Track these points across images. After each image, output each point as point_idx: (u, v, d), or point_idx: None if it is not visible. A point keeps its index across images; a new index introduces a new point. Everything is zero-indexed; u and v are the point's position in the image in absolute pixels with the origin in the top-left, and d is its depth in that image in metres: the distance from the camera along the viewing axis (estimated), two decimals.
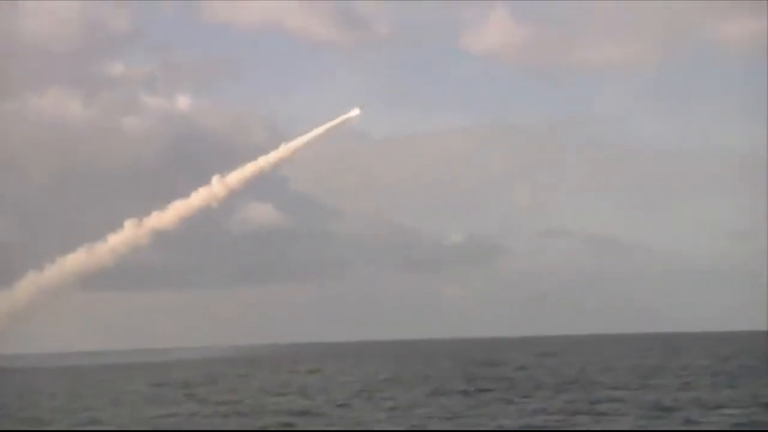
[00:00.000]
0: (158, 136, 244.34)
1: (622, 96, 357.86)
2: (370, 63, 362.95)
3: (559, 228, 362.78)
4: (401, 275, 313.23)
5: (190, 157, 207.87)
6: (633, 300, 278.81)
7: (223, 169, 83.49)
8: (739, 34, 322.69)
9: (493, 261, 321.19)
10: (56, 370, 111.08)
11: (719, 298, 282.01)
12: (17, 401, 54.45)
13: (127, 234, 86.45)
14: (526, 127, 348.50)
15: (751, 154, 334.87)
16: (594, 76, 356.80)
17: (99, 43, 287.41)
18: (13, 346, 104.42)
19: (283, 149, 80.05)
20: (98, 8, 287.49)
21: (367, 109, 76.39)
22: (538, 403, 41.97)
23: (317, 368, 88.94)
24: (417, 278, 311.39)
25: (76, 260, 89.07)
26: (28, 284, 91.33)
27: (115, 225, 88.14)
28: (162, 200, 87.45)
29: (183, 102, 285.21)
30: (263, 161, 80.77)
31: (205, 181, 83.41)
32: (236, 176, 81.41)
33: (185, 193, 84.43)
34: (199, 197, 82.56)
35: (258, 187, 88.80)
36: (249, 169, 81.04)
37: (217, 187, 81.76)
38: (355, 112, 75.26)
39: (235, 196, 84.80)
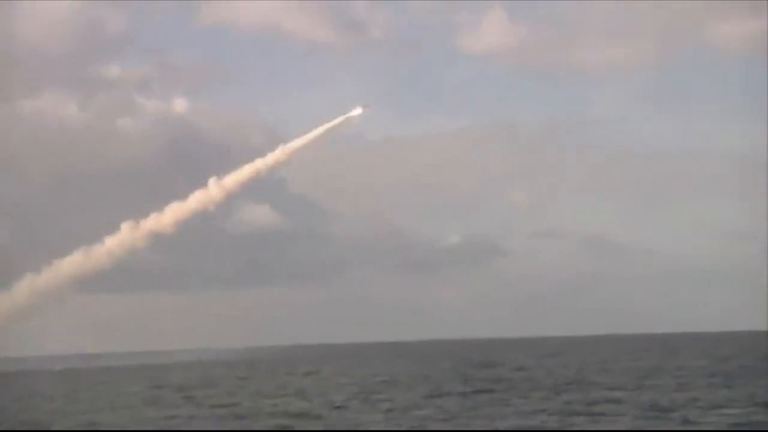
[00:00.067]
0: (154, 138, 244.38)
1: (619, 96, 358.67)
2: (367, 65, 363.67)
3: (557, 229, 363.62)
4: (399, 276, 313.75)
5: (186, 159, 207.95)
6: (630, 301, 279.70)
7: (220, 171, 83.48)
8: (738, 35, 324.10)
9: (490, 262, 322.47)
10: (54, 372, 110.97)
11: (717, 299, 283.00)
12: (15, 404, 54.40)
13: (124, 236, 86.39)
14: (524, 128, 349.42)
15: (751, 154, 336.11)
16: (591, 77, 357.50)
17: (95, 45, 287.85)
18: (10, 348, 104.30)
19: (280, 151, 80.00)
20: (94, 11, 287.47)
21: (364, 110, 75.96)
22: (536, 404, 42.01)
23: (315, 370, 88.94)
24: (415, 279, 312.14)
25: (73, 263, 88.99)
26: (26, 287, 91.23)
27: (112, 227, 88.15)
28: (159, 202, 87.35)
29: (179, 104, 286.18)
30: (260, 163, 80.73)
31: (202, 183, 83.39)
32: (233, 179, 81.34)
33: (182, 196, 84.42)
34: (196, 200, 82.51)
35: (256, 188, 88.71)
36: (246, 171, 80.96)
37: (213, 189, 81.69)
38: (357, 111, 74.87)
39: (232, 198, 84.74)
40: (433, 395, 49.24)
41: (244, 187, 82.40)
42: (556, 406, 41.10)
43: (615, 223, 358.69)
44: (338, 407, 44.20)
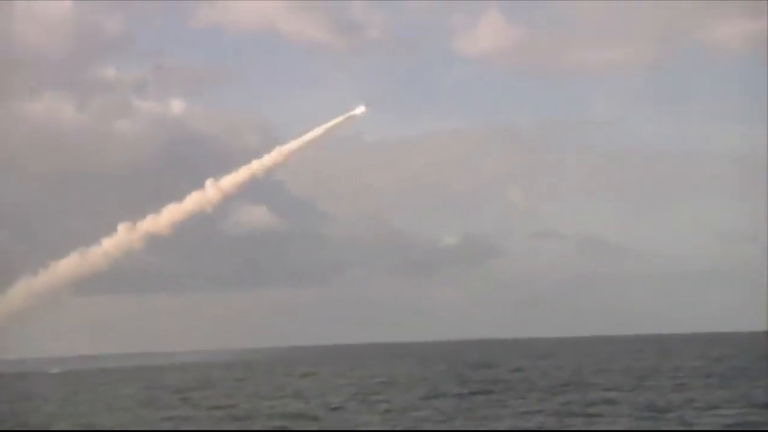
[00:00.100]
0: (151, 140, 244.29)
1: (616, 98, 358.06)
2: (364, 66, 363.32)
3: (553, 230, 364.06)
4: (396, 277, 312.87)
5: (183, 161, 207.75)
6: (629, 301, 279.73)
7: (217, 172, 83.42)
8: (737, 35, 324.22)
9: (487, 263, 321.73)
10: (50, 374, 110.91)
11: (717, 299, 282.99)
12: (11, 406, 54.36)
13: (120, 238, 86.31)
14: (520, 130, 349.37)
15: (750, 154, 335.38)
16: (590, 78, 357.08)
17: (92, 47, 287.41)
18: (6, 350, 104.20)
19: (277, 152, 79.89)
20: (91, 13, 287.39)
21: (367, 108, 75.34)
22: (533, 405, 42.05)
23: (312, 371, 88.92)
24: (412, 280, 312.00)
25: (70, 264, 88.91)
26: (22, 288, 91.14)
27: (109, 229, 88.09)
28: (156, 204, 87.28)
29: (176, 106, 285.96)
30: (257, 165, 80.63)
31: (199, 184, 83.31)
32: (230, 180, 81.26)
33: (179, 197, 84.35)
34: (193, 201, 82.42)
35: (253, 189, 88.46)
36: (243, 172, 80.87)
37: (210, 191, 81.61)
38: (360, 109, 74.37)
39: (229, 200, 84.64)
40: (430, 396, 49.28)
41: (241, 189, 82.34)
42: (553, 407, 41.14)
43: (614, 223, 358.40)
44: (336, 408, 44.23)
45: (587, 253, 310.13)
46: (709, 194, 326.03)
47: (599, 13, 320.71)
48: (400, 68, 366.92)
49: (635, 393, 47.04)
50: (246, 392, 58.86)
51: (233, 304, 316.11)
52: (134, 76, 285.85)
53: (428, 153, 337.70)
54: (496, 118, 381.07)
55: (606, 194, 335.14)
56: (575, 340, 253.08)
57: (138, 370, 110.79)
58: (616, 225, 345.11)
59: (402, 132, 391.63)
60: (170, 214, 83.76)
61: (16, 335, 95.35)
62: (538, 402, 43.63)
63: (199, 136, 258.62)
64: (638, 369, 71.42)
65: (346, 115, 74.80)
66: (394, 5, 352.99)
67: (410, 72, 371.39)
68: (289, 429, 37.41)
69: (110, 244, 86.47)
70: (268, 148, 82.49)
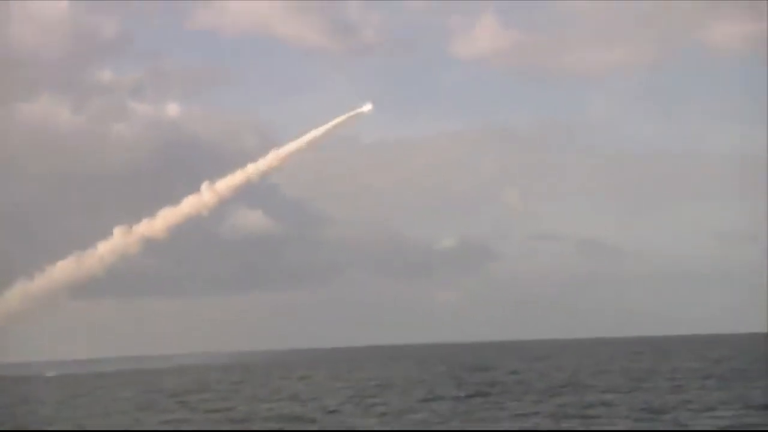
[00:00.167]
0: (147, 143, 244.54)
1: (615, 98, 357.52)
2: (361, 68, 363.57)
3: (553, 231, 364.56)
4: (393, 280, 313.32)
5: (180, 164, 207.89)
6: (628, 303, 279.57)
7: (213, 175, 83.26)
8: (737, 36, 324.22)
9: (484, 265, 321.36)
10: (47, 378, 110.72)
11: (717, 301, 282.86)
12: (8, 410, 54.28)
13: (116, 241, 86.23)
14: (517, 131, 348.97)
15: (750, 155, 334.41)
16: (587, 79, 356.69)
17: (88, 49, 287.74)
18: (2, 353, 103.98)
19: (273, 155, 79.70)
20: (88, 14, 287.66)
21: (373, 107, 74.72)
22: (530, 407, 42.02)
23: (309, 374, 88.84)
24: (409, 282, 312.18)
25: (66, 268, 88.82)
26: (18, 292, 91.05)
27: (105, 232, 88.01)
28: (152, 207, 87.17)
29: (172, 109, 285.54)
30: (253, 168, 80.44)
31: (195, 187, 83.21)
32: (226, 183, 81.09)
33: (175, 200, 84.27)
34: (189, 204, 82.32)
35: (249, 192, 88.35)
36: (239, 176, 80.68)
37: (206, 194, 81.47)
38: (367, 106, 73.81)
39: (225, 203, 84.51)
40: (427, 399, 49.21)
41: (237, 192, 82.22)
42: (550, 409, 41.11)
43: (612, 225, 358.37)
44: (332, 411, 44.20)
45: (586, 255, 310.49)
46: (709, 195, 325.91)
47: (598, 13, 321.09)
48: (398, 70, 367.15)
49: (632, 395, 47.00)
50: (243, 395, 58.78)
51: (230, 307, 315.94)
52: (131, 78, 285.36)
53: (426, 155, 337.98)
54: (494, 119, 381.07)
55: (605, 195, 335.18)
56: (574, 341, 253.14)
57: (135, 374, 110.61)
58: (615, 226, 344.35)
59: (399, 134, 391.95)
60: (166, 217, 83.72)
61: (12, 338, 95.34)
62: (535, 404, 43.59)
63: (196, 138, 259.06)
64: (636, 370, 71.41)
65: (353, 113, 74.25)
66: (390, 7, 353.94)
67: (407, 73, 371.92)
68: (285, 430, 37.39)
69: (106, 248, 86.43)
70: (265, 151, 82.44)
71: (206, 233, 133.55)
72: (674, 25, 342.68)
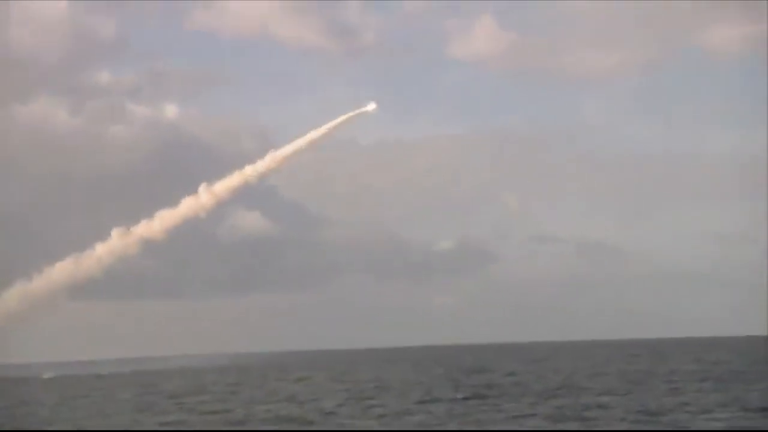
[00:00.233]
0: (145, 144, 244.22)
1: (614, 100, 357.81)
2: (359, 70, 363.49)
3: (550, 234, 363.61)
4: (392, 282, 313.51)
5: (178, 165, 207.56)
6: (627, 305, 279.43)
7: (211, 177, 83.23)
8: (736, 38, 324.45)
9: (483, 267, 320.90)
10: (44, 379, 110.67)
11: (716, 303, 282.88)
12: (5, 411, 54.31)
13: (114, 243, 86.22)
14: (516, 133, 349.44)
15: (750, 157, 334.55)
16: (586, 81, 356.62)
17: (87, 50, 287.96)
18: (1, 355, 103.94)
19: (270, 157, 79.65)
20: (86, 15, 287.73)
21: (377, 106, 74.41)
22: (527, 409, 42.12)
23: (307, 376, 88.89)
24: (408, 285, 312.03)
25: (64, 269, 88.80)
26: (16, 293, 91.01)
27: (103, 233, 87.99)
28: (150, 208, 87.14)
29: (170, 110, 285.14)
30: (251, 170, 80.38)
31: (193, 189, 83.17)
32: (224, 185, 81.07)
33: (173, 202, 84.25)
34: (186, 206, 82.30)
35: (247, 194, 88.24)
36: (236, 178, 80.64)
37: (204, 196, 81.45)
38: (371, 105, 73.62)
39: (223, 205, 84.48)
40: (425, 401, 49.30)
41: (234, 194, 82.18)
42: (547, 411, 41.21)
43: (611, 227, 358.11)
44: (330, 413, 44.27)
45: (584, 257, 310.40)
46: (709, 196, 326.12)
47: (597, 14, 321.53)
48: (396, 72, 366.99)
49: (629, 397, 47.09)
50: (241, 397, 58.83)
51: (229, 309, 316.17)
52: (129, 79, 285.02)
53: (425, 156, 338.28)
54: (492, 121, 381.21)
55: (604, 197, 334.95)
56: (572, 344, 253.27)
57: (133, 375, 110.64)
58: (614, 228, 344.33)
59: (398, 135, 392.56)
60: (164, 219, 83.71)
61: (10, 339, 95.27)
62: (532, 406, 43.68)
63: (194, 140, 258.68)
64: (633, 373, 71.50)
65: (357, 112, 74.07)
66: (388, 8, 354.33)
67: (406, 75, 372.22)
68: (283, 431, 37.48)
69: (104, 249, 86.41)
70: (263, 153, 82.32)
71: (204, 235, 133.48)
72: (673, 27, 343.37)
